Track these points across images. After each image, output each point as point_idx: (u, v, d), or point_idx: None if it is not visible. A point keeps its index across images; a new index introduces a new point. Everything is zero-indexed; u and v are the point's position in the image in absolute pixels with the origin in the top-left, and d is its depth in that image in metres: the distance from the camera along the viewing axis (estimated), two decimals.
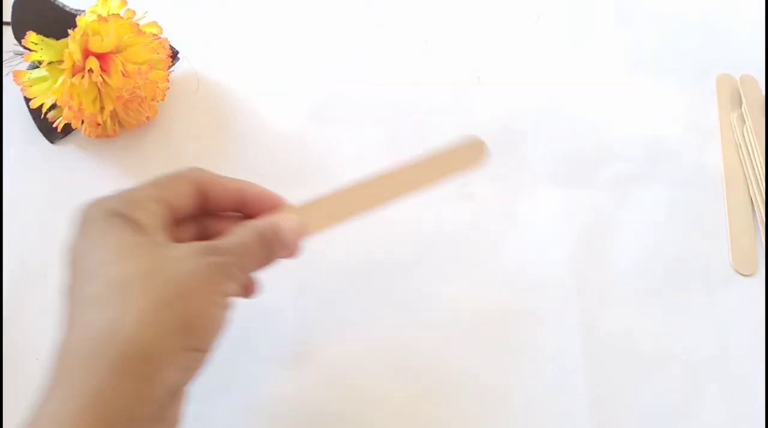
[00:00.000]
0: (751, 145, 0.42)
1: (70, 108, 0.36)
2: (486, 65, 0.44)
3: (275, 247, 0.28)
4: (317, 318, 0.34)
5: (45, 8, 0.37)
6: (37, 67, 0.36)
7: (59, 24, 0.36)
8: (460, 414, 0.35)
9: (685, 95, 0.44)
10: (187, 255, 0.24)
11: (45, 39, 0.35)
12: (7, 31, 0.41)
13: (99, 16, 0.35)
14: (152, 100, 0.38)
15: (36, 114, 0.38)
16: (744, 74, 0.44)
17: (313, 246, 0.31)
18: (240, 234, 0.26)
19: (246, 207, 0.29)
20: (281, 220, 0.28)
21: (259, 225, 0.27)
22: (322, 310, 0.37)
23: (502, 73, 0.44)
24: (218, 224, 0.29)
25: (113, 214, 0.24)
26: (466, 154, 0.34)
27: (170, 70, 0.40)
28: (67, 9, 0.37)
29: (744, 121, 0.43)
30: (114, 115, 0.38)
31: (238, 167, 0.40)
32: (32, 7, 0.36)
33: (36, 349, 0.35)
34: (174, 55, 0.41)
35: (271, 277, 0.37)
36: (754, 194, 0.41)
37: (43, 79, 0.36)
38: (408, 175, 0.33)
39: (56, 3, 0.37)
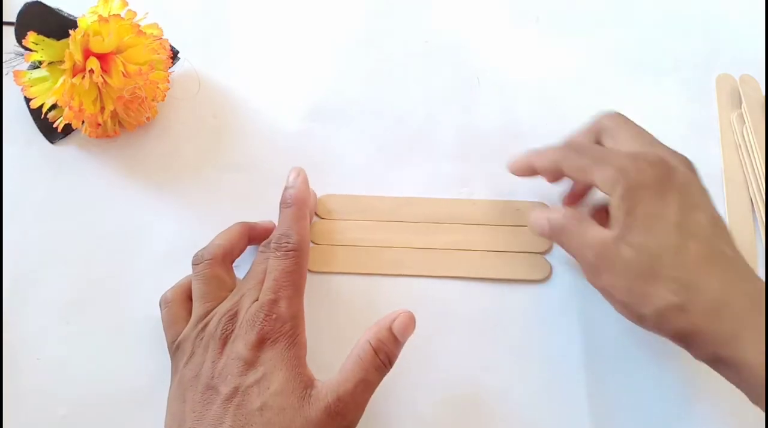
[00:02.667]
0: (751, 145, 0.42)
1: (70, 108, 0.36)
2: (486, 65, 0.44)
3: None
4: (310, 313, 0.35)
5: (49, 16, 0.36)
6: (38, 67, 0.36)
7: (62, 30, 0.36)
8: (460, 414, 0.35)
9: (685, 95, 0.44)
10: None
11: (45, 39, 0.35)
12: (7, 31, 0.41)
13: (100, 16, 0.35)
14: (152, 100, 0.38)
15: (36, 114, 0.38)
16: (744, 74, 0.44)
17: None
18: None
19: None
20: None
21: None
22: (317, 305, 0.37)
23: (501, 73, 0.44)
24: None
25: None
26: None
27: (171, 70, 0.40)
28: (65, 14, 0.37)
29: (744, 121, 0.43)
30: (114, 115, 0.38)
31: (238, 167, 0.40)
32: (36, 13, 0.36)
33: (36, 349, 0.35)
34: (174, 56, 0.41)
35: None
36: (754, 194, 0.41)
37: (43, 79, 0.36)
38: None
39: (60, 12, 0.37)
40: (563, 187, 0.39)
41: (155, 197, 0.39)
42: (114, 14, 0.36)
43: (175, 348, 0.31)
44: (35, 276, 0.36)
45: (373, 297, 0.37)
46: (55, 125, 0.38)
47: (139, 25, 0.37)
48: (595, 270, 0.32)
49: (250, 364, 0.28)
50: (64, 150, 0.39)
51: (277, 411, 0.27)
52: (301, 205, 0.33)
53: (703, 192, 0.32)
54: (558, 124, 0.43)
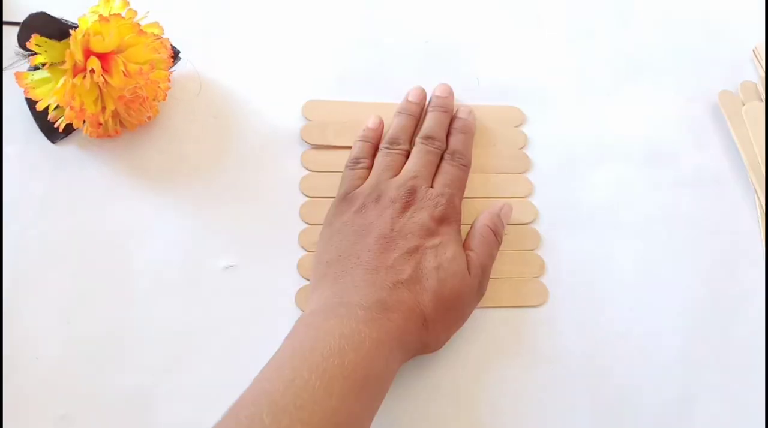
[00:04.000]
0: (752, 145, 0.42)
1: (71, 108, 0.36)
2: (486, 65, 0.44)
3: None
4: None
5: (52, 25, 0.36)
6: (39, 68, 0.36)
7: (63, 33, 0.36)
8: (460, 414, 0.35)
9: (685, 95, 0.44)
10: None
11: (48, 40, 0.35)
12: (7, 30, 0.41)
13: (100, 16, 0.35)
14: (154, 99, 0.38)
15: (37, 114, 0.38)
16: (745, 80, 0.44)
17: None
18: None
19: None
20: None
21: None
22: None
23: (501, 74, 0.44)
24: None
25: None
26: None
27: (172, 70, 0.40)
28: (69, 23, 0.37)
29: (744, 122, 0.43)
30: (115, 115, 0.38)
31: (239, 167, 0.40)
32: (38, 24, 0.36)
33: (36, 349, 0.35)
34: (175, 55, 0.41)
35: (272, 275, 0.37)
36: (755, 193, 0.41)
37: (45, 80, 0.36)
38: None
39: (65, 22, 0.37)
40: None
41: (156, 196, 0.39)
42: (114, 13, 0.36)
43: (341, 199, 0.37)
44: (35, 275, 0.36)
45: None
46: (56, 125, 0.37)
47: (139, 24, 0.37)
48: None
49: (431, 232, 0.35)
50: (65, 149, 0.39)
51: (451, 273, 0.34)
52: (472, 134, 0.41)
53: None
54: (558, 123, 0.43)
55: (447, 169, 0.38)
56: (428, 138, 0.39)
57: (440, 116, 0.40)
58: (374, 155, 0.39)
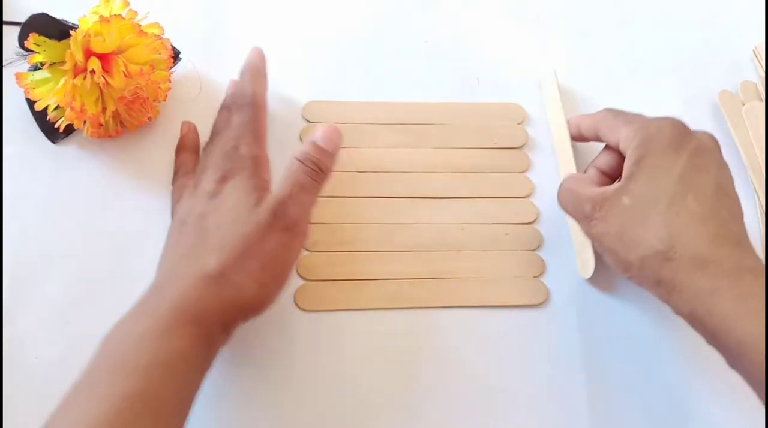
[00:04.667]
0: (752, 146, 0.42)
1: (72, 109, 0.36)
2: (486, 65, 0.44)
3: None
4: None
5: (53, 26, 0.36)
6: (39, 68, 0.36)
7: (64, 34, 0.36)
8: (460, 414, 0.35)
9: (685, 95, 0.44)
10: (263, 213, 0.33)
11: (47, 40, 0.35)
12: (7, 30, 0.41)
13: (101, 16, 0.35)
14: (154, 100, 0.38)
15: (38, 114, 0.38)
16: (745, 80, 0.44)
17: None
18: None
19: None
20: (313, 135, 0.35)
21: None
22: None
23: (501, 73, 0.44)
24: None
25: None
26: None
27: (172, 70, 0.40)
28: (69, 24, 0.38)
29: (744, 122, 0.43)
30: (116, 115, 0.38)
31: None
32: (39, 24, 0.36)
33: (36, 349, 0.35)
34: (176, 56, 0.41)
35: None
36: (755, 193, 0.41)
37: (45, 80, 0.36)
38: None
39: (66, 23, 0.37)
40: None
41: (156, 197, 0.39)
42: (115, 14, 0.36)
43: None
44: (35, 275, 0.36)
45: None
46: (56, 125, 0.37)
47: (140, 25, 0.37)
48: (590, 220, 0.33)
49: (213, 194, 0.34)
50: (65, 150, 0.39)
51: (230, 219, 0.32)
52: (255, 71, 0.38)
53: (720, 163, 0.32)
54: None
55: (231, 121, 0.37)
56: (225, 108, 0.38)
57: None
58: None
